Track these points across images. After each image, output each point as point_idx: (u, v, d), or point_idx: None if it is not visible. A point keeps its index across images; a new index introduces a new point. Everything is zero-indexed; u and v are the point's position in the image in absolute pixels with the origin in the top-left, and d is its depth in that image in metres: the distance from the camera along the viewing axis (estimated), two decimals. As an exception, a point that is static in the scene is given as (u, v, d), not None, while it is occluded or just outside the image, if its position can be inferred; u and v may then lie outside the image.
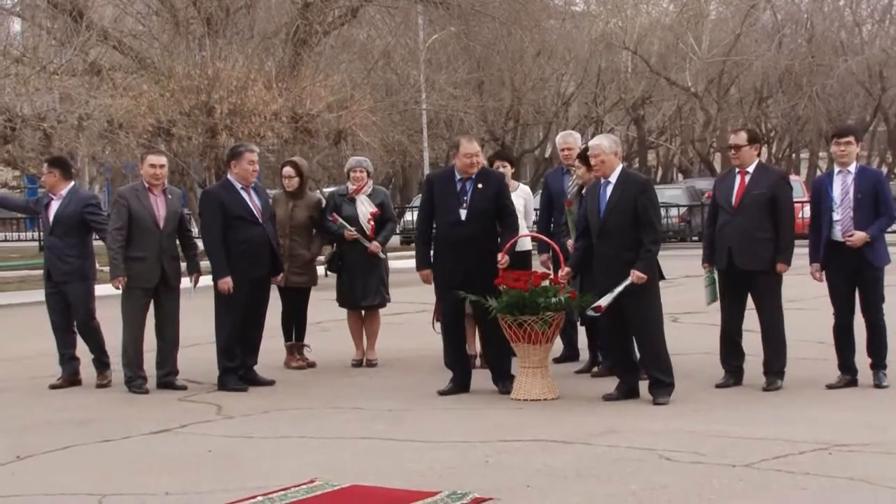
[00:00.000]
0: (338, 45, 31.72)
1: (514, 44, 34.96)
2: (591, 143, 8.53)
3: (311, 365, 10.22)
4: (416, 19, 33.26)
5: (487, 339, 8.79)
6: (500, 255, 8.40)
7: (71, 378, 9.52)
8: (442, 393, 8.61)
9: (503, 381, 8.65)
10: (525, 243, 9.52)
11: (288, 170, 10.41)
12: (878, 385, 8.38)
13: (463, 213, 8.54)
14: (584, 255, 8.35)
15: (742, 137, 8.85)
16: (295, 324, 10.32)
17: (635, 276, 7.98)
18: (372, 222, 10.10)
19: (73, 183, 9.83)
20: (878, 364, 8.47)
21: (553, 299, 8.12)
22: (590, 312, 8.16)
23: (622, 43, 39.02)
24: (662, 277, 8.82)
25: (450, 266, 8.61)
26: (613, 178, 8.23)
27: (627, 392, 8.25)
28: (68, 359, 9.56)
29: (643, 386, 8.27)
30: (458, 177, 8.66)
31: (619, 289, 7.98)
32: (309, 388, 9.33)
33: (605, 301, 8.02)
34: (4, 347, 10.08)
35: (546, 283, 8.31)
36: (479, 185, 8.58)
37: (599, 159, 8.24)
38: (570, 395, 8.46)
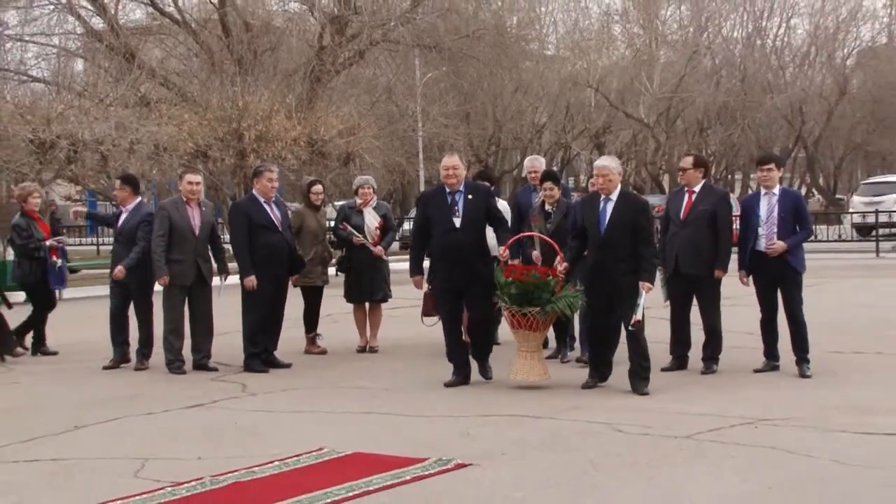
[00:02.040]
0: (347, 81, 31.66)
1: (496, 82, 35.06)
2: (597, 163, 8.18)
3: (323, 352, 10.17)
4: (414, 61, 33.24)
5: (476, 333, 8.38)
6: (501, 249, 8.11)
7: (121, 360, 9.50)
8: (448, 385, 8.16)
9: (487, 370, 8.37)
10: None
11: (318, 187, 10.39)
12: (802, 375, 8.29)
13: (457, 222, 8.19)
14: (577, 252, 8.04)
15: (688, 161, 8.91)
16: (312, 316, 10.27)
17: (646, 287, 7.68)
18: (379, 231, 10.09)
19: (140, 199, 9.79)
20: (802, 358, 8.40)
21: (553, 302, 7.80)
22: (631, 328, 7.65)
23: (586, 81, 39.05)
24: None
25: (448, 270, 8.21)
26: (614, 196, 7.87)
27: (599, 379, 7.98)
28: (120, 342, 9.55)
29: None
30: (447, 191, 8.31)
31: (642, 301, 7.67)
32: (320, 370, 9.29)
33: (639, 314, 7.65)
34: (64, 335, 10.02)
35: (549, 277, 7.93)
36: (469, 196, 8.26)
37: (607, 178, 7.87)
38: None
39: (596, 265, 7.87)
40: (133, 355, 9.51)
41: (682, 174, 8.83)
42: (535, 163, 10.17)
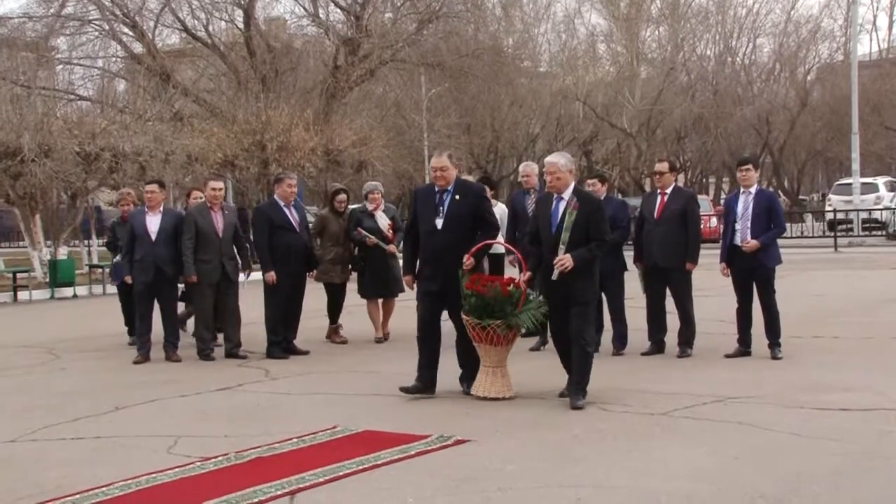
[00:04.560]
0: (359, 97, 31.70)
1: (494, 96, 35.10)
2: (547, 160, 6.88)
3: (344, 341, 10.07)
4: (420, 78, 33.29)
5: (462, 341, 7.14)
6: (465, 256, 6.85)
7: (146, 355, 9.22)
8: (403, 389, 7.02)
9: (468, 382, 7.12)
10: (499, 247, 8.71)
11: (343, 196, 10.37)
12: (774, 357, 8.25)
13: (439, 223, 7.04)
14: (539, 258, 6.84)
15: (664, 166, 8.90)
16: (336, 309, 10.23)
17: (564, 258, 6.48)
18: (392, 230, 10.04)
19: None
20: (774, 343, 8.38)
21: (515, 316, 6.71)
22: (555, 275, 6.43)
23: (575, 95, 39.09)
24: (626, 269, 8.82)
25: (428, 272, 7.11)
26: (566, 195, 6.70)
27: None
28: (146, 340, 9.30)
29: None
30: (436, 189, 7.20)
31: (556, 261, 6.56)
32: (335, 356, 9.29)
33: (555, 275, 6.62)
34: (108, 325, 10.02)
35: (510, 287, 6.80)
36: (457, 197, 7.09)
37: (555, 176, 6.70)
38: (530, 366, 8.28)
39: (549, 268, 6.66)
40: (161, 350, 9.30)
41: (659, 177, 8.81)
42: (528, 168, 10.12)
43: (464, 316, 6.82)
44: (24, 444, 6.02)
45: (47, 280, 18.04)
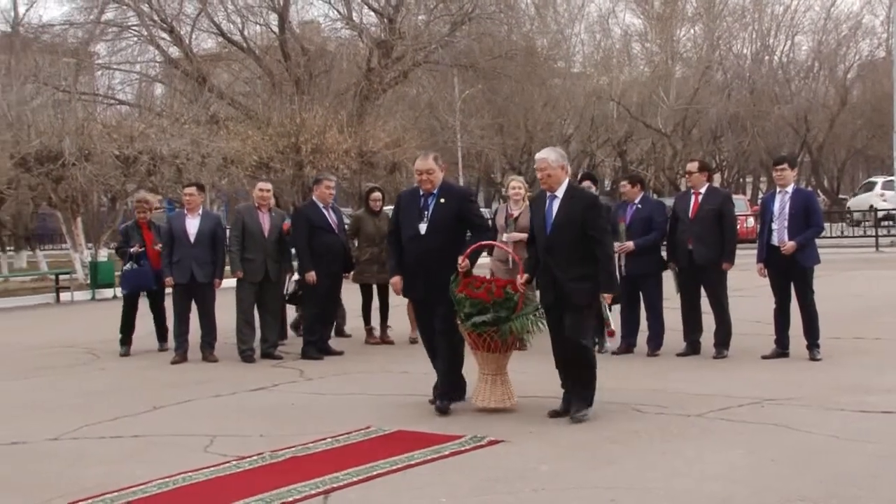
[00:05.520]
0: (393, 99, 31.78)
1: (527, 97, 35.02)
2: (537, 156, 6.42)
3: (378, 342, 10.02)
4: (453, 79, 33.31)
5: (441, 352, 6.69)
6: (460, 259, 6.38)
7: (184, 355, 9.29)
8: (432, 402, 6.65)
9: (442, 398, 6.54)
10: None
11: (377, 194, 10.40)
12: (813, 359, 8.14)
13: (423, 227, 6.58)
14: (537, 260, 6.38)
15: (694, 166, 8.84)
16: (381, 311, 10.12)
17: (606, 298, 6.24)
18: None
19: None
20: (812, 344, 8.26)
21: (511, 321, 6.25)
22: (608, 345, 6.46)
23: (609, 96, 38.81)
24: (665, 267, 8.75)
25: (410, 279, 6.69)
26: (560, 193, 6.24)
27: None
28: (183, 340, 9.38)
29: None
30: (421, 193, 6.73)
31: (606, 311, 6.39)
32: (369, 357, 9.31)
33: (611, 326, 6.52)
34: (147, 326, 10.11)
35: (508, 290, 6.35)
36: (442, 200, 6.63)
37: (546, 173, 6.22)
38: None
39: (543, 270, 6.27)
40: (198, 350, 9.36)
41: (689, 177, 8.78)
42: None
43: (459, 323, 6.37)
44: (65, 441, 6.11)
45: (88, 282, 18.30)
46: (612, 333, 6.53)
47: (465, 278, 6.40)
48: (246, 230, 9.25)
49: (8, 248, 26.66)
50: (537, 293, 6.56)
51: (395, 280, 6.90)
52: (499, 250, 8.27)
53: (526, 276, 6.42)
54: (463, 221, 6.67)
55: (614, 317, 8.99)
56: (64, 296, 17.50)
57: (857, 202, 30.63)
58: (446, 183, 6.83)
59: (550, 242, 6.23)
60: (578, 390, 6.21)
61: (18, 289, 19.17)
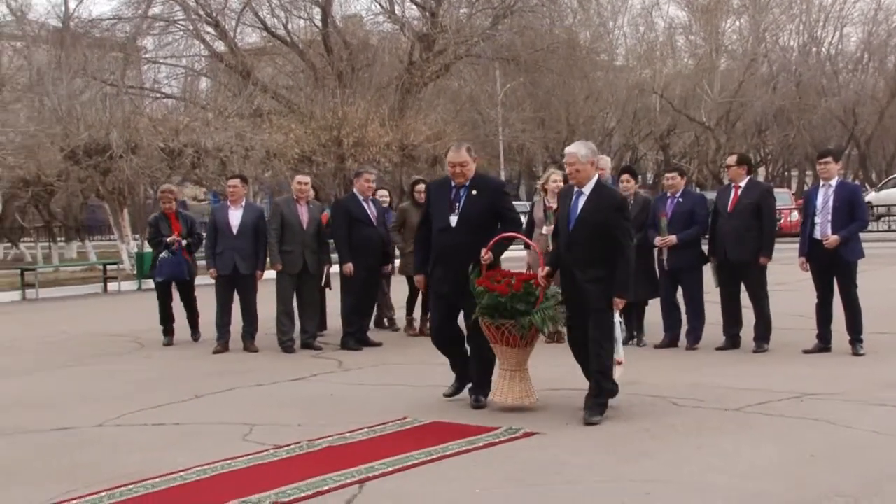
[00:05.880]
0: (434, 92, 31.76)
1: (569, 90, 34.81)
2: (567, 150, 6.25)
3: (416, 334, 9.99)
4: (494, 73, 33.21)
5: (475, 346, 6.50)
6: (483, 251, 6.22)
7: (226, 345, 9.39)
8: (446, 395, 6.66)
9: (477, 392, 6.50)
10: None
11: (422, 186, 10.42)
12: (856, 354, 8.02)
13: (453, 220, 6.39)
14: (559, 255, 6.22)
15: (733, 159, 8.77)
16: (423, 303, 9.95)
17: (616, 303, 5.95)
18: None
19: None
20: (855, 339, 8.14)
21: (530, 315, 6.05)
22: (617, 371, 6.02)
23: (652, 88, 38.46)
24: (706, 261, 8.68)
25: (440, 273, 6.47)
26: (587, 190, 6.05)
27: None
28: (225, 331, 9.47)
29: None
30: (452, 184, 6.53)
31: (618, 333, 6.05)
32: (407, 348, 9.34)
33: (619, 355, 6.05)
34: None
35: (530, 284, 6.17)
36: (474, 192, 6.43)
37: (574, 168, 6.04)
38: None
39: (563, 267, 6.11)
40: (240, 340, 9.45)
41: (728, 170, 8.72)
42: (602, 162, 10.04)
43: (479, 317, 6.19)
44: (109, 428, 6.22)
45: (135, 272, 18.58)
46: (619, 363, 6.00)
47: (488, 271, 6.22)
48: (284, 222, 9.33)
49: (59, 239, 27.15)
50: (557, 288, 6.28)
51: (420, 278, 6.82)
52: (541, 243, 8.13)
53: (547, 269, 6.21)
54: (495, 214, 6.47)
55: (652, 312, 8.98)
56: (111, 286, 17.80)
57: (882, 197, 29.83)
58: (479, 174, 6.64)
59: (571, 239, 6.04)
60: (593, 397, 6.02)
61: (68, 279, 19.52)
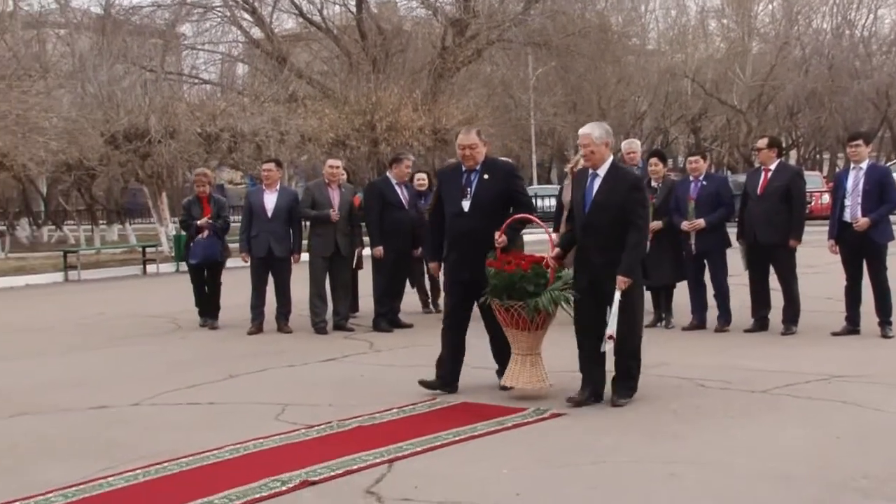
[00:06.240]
0: (467, 77, 31.61)
1: (600, 74, 34.51)
2: (580, 131, 5.99)
3: None
4: (526, 57, 33.01)
5: (492, 330, 6.40)
6: (497, 234, 6.06)
7: (260, 326, 9.41)
8: (423, 383, 6.40)
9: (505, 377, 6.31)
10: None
11: (422, 175, 10.39)
12: (885, 336, 7.89)
13: (466, 205, 6.23)
14: (572, 237, 6.09)
15: (763, 142, 8.62)
16: None
17: (620, 281, 5.66)
18: None
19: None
20: (885, 321, 7.99)
21: (538, 296, 5.87)
22: (605, 347, 5.74)
23: (684, 72, 38.02)
24: (729, 246, 8.55)
25: (456, 258, 6.30)
26: (602, 172, 5.83)
27: (592, 392, 5.90)
28: (259, 312, 9.47)
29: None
30: (463, 169, 6.37)
31: (616, 308, 5.68)
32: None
33: (612, 328, 5.69)
34: (227, 298, 10.28)
35: (539, 265, 5.97)
36: (485, 176, 6.27)
37: (589, 150, 5.82)
38: None
39: (579, 251, 5.94)
40: (274, 322, 9.46)
41: (758, 153, 8.56)
42: (633, 145, 9.96)
43: (490, 299, 6.04)
44: (145, 407, 6.28)
45: (173, 254, 18.75)
46: (611, 338, 5.70)
47: (502, 254, 6.05)
48: (316, 206, 9.34)
49: (101, 222, 27.49)
50: (568, 271, 6.05)
51: (434, 265, 6.64)
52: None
53: (557, 250, 6.02)
54: (508, 198, 6.29)
55: (680, 295, 8.88)
56: (150, 268, 17.99)
57: None
58: (490, 158, 6.47)
59: (588, 222, 5.83)
60: (620, 379, 5.88)
61: (109, 260, 19.76)
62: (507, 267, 5.93)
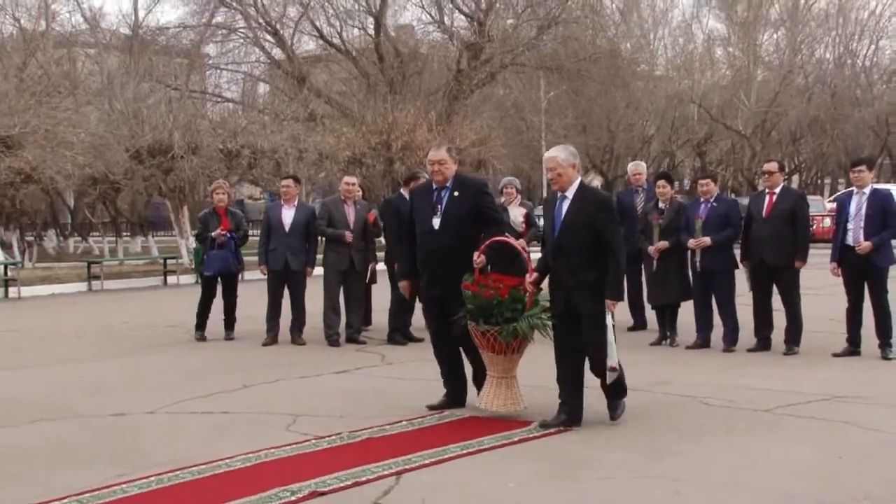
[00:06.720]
0: (480, 99, 31.68)
1: (610, 99, 34.49)
2: (546, 154, 5.80)
3: None
4: (538, 81, 33.01)
5: (470, 354, 6.20)
6: (475, 255, 5.80)
7: (275, 338, 9.36)
8: (431, 407, 6.16)
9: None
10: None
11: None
12: (885, 357, 7.81)
13: (436, 222, 6.03)
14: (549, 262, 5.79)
15: (773, 166, 8.55)
16: None
17: (609, 304, 5.47)
18: (525, 225, 9.65)
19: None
20: (885, 343, 7.92)
21: (516, 321, 5.67)
22: (610, 377, 5.58)
23: (690, 98, 37.96)
24: (736, 267, 8.50)
25: (427, 277, 6.13)
26: (570, 193, 5.61)
27: (568, 419, 5.64)
28: (275, 324, 9.43)
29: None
30: (434, 186, 6.19)
31: (611, 337, 5.49)
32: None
33: (612, 360, 5.51)
34: (243, 309, 10.25)
35: (517, 290, 5.74)
36: (455, 193, 6.07)
37: (556, 172, 5.59)
38: (635, 358, 7.98)
39: (553, 274, 5.69)
40: (288, 333, 9.42)
41: (768, 177, 8.45)
42: (639, 167, 9.93)
43: (466, 321, 5.82)
44: (160, 415, 6.24)
45: (193, 266, 18.76)
46: (613, 369, 5.52)
47: (479, 276, 5.81)
48: (332, 221, 9.32)
49: (124, 234, 27.56)
50: (546, 292, 5.82)
51: (405, 284, 6.44)
52: None
53: (535, 275, 5.76)
54: (478, 215, 6.06)
55: (687, 312, 8.80)
56: (171, 279, 18.00)
57: None
58: (460, 175, 6.27)
59: (558, 245, 5.60)
60: (611, 397, 5.74)
61: (131, 272, 19.78)
62: (484, 292, 5.71)
